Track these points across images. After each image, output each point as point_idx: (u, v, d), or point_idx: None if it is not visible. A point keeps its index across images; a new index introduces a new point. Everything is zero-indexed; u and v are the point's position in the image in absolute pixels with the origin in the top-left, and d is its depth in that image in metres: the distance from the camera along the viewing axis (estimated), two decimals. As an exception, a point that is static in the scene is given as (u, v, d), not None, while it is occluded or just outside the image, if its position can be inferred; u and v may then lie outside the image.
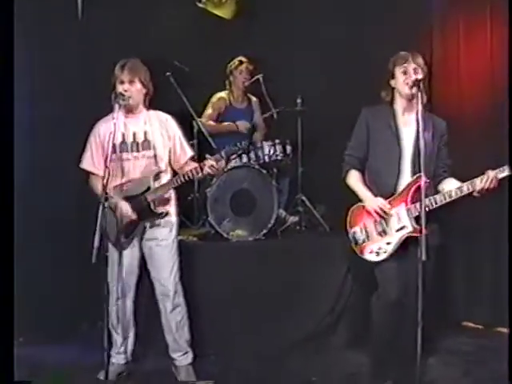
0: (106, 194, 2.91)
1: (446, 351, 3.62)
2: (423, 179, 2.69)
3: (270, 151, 4.34)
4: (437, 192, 2.89)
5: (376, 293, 3.01)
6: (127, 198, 3.18)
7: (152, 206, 3.17)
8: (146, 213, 3.18)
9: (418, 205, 2.76)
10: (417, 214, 2.81)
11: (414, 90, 2.82)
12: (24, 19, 3.63)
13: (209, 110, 4.72)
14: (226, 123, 4.68)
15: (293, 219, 4.51)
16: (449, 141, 3.04)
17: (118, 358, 3.30)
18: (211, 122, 4.67)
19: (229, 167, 4.06)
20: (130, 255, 3.24)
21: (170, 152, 3.27)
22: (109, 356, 3.11)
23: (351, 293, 3.77)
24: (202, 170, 3.13)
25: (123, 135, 3.20)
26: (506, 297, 3.42)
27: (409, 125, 2.97)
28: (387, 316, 2.95)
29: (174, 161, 3.30)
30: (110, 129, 2.99)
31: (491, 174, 2.76)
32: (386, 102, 3.05)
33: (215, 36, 4.92)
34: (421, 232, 2.60)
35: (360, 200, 3.03)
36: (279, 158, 4.38)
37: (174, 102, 4.32)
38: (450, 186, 2.86)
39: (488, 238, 4.06)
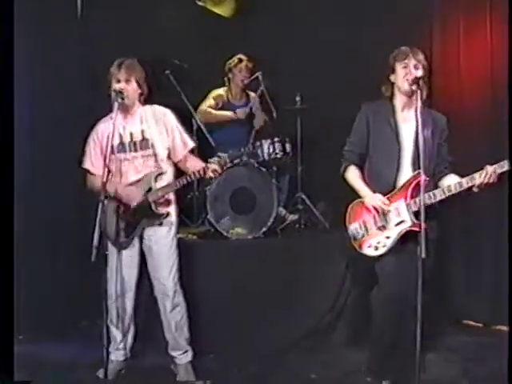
0: (106, 192, 2.92)
1: (445, 349, 3.62)
2: (423, 177, 2.70)
3: (269, 149, 4.34)
4: (437, 188, 2.89)
5: (376, 286, 3.00)
6: None
7: (153, 207, 3.18)
8: (147, 213, 3.19)
9: (417, 200, 2.76)
10: (416, 208, 2.81)
11: (414, 87, 2.82)
12: (24, 19, 3.63)
13: (210, 100, 4.72)
14: (224, 112, 4.67)
15: (292, 217, 4.52)
16: (449, 137, 3.04)
17: (117, 355, 3.30)
18: (211, 110, 4.66)
19: (228, 165, 4.05)
20: (130, 254, 3.24)
21: (169, 146, 3.25)
22: (108, 354, 3.12)
23: (351, 291, 3.77)
24: (205, 173, 3.14)
25: (120, 136, 3.20)
26: (506, 295, 3.42)
27: (408, 121, 2.97)
28: (387, 309, 2.94)
29: (174, 154, 3.27)
30: (108, 129, 3.00)
31: (490, 169, 2.75)
32: (385, 98, 3.05)
33: (215, 34, 4.92)
34: (420, 227, 2.61)
35: (359, 197, 3.04)
36: (279, 156, 4.37)
37: (173, 99, 4.33)
38: (450, 182, 2.87)
39: (488, 236, 4.06)
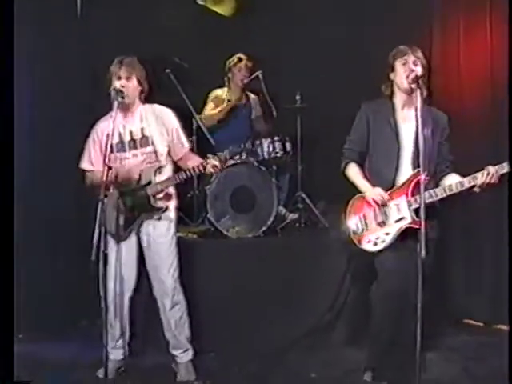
0: (106, 191, 2.92)
1: (446, 348, 3.62)
2: (422, 176, 2.70)
3: (269, 148, 4.35)
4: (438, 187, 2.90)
5: (375, 282, 3.00)
6: (127, 192, 3.19)
7: (152, 201, 3.18)
8: (145, 207, 3.19)
9: (418, 197, 2.76)
10: (417, 206, 2.81)
11: (414, 85, 2.82)
12: (24, 19, 3.63)
13: (210, 104, 4.72)
14: (224, 105, 4.66)
15: (292, 216, 4.52)
16: (449, 137, 3.04)
17: (115, 354, 3.30)
18: (213, 113, 4.65)
19: (228, 164, 4.06)
20: (129, 251, 3.24)
21: (169, 145, 3.26)
22: (107, 353, 3.11)
23: (351, 290, 3.77)
24: (204, 168, 3.14)
25: (120, 134, 3.21)
26: (506, 294, 3.43)
27: (408, 120, 2.97)
28: (386, 305, 2.94)
29: (174, 153, 3.29)
30: (108, 128, 2.99)
31: (492, 169, 2.76)
32: (385, 96, 3.05)
33: (215, 33, 4.93)
34: (420, 224, 2.60)
35: (360, 193, 3.04)
36: (279, 155, 4.38)
37: (173, 98, 4.33)
38: (452, 181, 2.87)
39: (488, 236, 4.06)
